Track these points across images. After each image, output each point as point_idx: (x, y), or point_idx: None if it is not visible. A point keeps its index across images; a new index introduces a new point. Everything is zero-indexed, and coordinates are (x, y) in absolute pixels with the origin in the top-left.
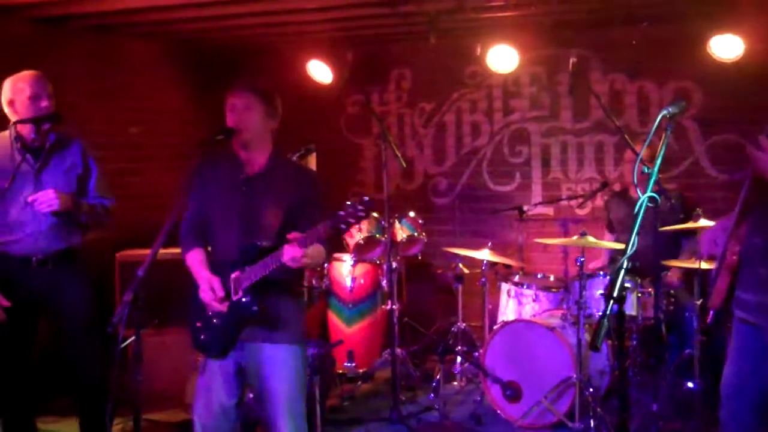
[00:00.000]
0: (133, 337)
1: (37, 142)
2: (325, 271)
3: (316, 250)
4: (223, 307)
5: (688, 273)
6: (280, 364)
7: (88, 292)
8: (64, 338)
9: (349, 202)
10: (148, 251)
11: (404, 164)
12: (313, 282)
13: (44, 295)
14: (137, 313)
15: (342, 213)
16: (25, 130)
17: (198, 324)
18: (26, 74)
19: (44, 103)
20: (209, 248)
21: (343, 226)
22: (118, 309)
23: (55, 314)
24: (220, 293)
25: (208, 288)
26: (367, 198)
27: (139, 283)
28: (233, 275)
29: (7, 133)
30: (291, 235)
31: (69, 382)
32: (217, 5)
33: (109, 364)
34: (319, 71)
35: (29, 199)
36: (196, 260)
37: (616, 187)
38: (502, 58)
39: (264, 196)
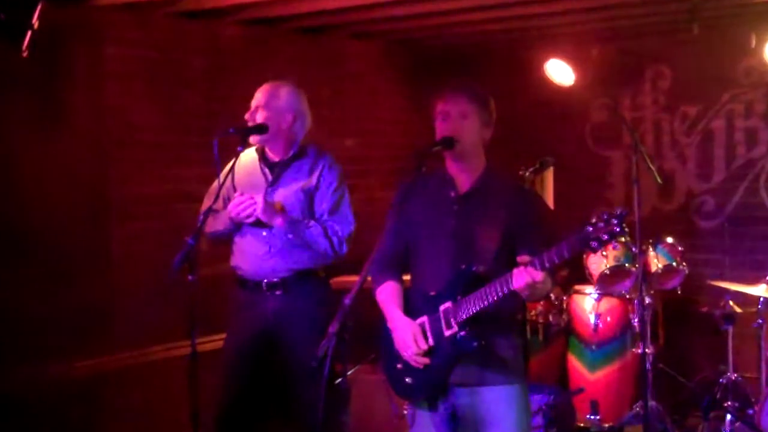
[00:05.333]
0: (348, 373)
1: (276, 156)
2: (564, 306)
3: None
4: (425, 360)
5: None
6: (501, 409)
7: (320, 324)
8: (288, 373)
9: (596, 217)
10: (357, 277)
11: (660, 180)
12: (550, 318)
13: (276, 322)
14: (344, 347)
15: (590, 228)
16: (266, 143)
17: (399, 366)
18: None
19: (260, 114)
20: (408, 277)
21: (594, 244)
22: (323, 341)
23: (284, 345)
24: (423, 345)
25: (410, 339)
26: (621, 210)
27: (347, 313)
28: (443, 306)
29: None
30: (521, 258)
31: (284, 417)
32: None
33: (332, 405)
34: (560, 72)
35: (230, 206)
36: (389, 297)
37: None
38: None
39: (478, 216)
